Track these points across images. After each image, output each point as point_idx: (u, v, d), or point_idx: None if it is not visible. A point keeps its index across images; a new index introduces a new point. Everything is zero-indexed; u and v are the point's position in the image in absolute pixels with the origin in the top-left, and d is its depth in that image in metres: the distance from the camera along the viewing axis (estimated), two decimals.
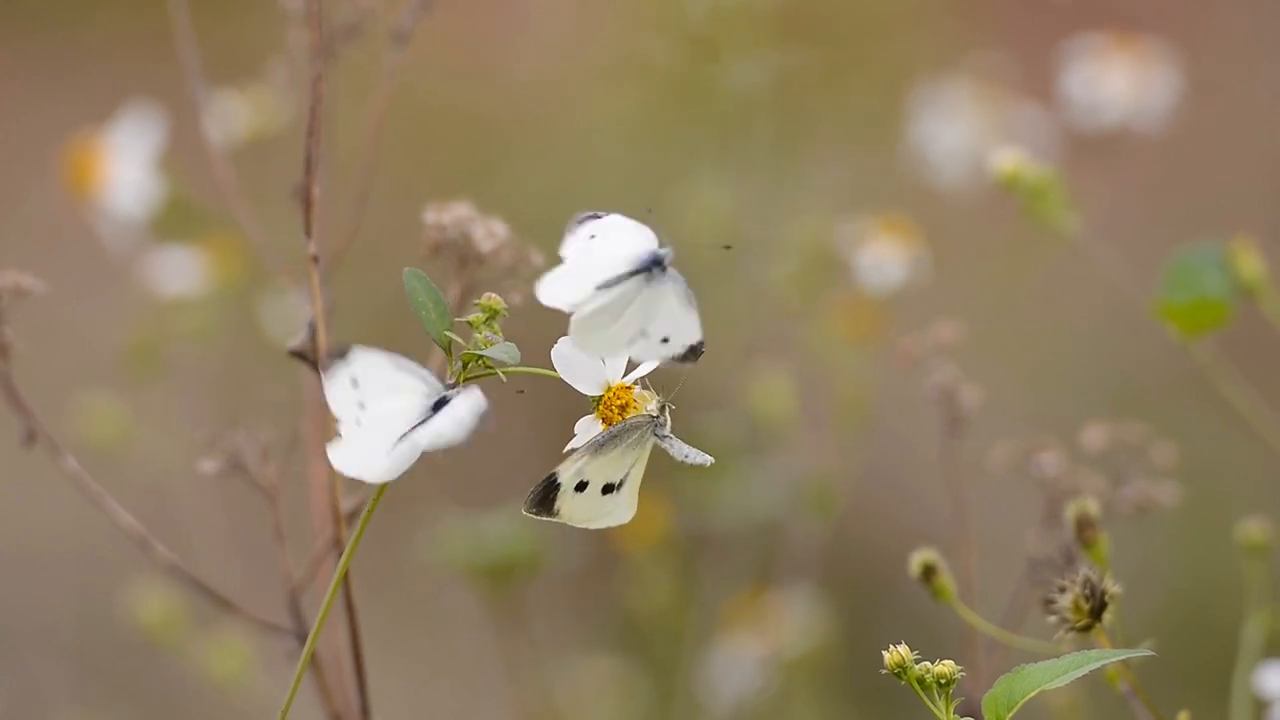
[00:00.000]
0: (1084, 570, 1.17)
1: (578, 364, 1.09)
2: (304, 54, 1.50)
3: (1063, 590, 1.16)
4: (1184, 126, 2.05)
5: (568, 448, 1.11)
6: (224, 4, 2.85)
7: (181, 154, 1.80)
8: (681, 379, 1.13)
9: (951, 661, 1.08)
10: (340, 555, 1.26)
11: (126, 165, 1.79)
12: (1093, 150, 2.02)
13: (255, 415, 2.14)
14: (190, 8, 1.52)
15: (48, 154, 2.88)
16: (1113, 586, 1.16)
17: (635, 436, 1.11)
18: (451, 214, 1.25)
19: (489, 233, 1.25)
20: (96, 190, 1.79)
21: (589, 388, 1.10)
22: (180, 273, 1.83)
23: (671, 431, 1.12)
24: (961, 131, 2.09)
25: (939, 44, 2.85)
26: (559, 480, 1.11)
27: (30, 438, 1.28)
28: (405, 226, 1.48)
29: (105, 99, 2.04)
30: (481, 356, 1.09)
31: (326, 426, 1.23)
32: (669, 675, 2.01)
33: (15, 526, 2.59)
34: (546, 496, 1.11)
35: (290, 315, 1.76)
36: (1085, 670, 1.08)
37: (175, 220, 1.80)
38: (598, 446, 1.11)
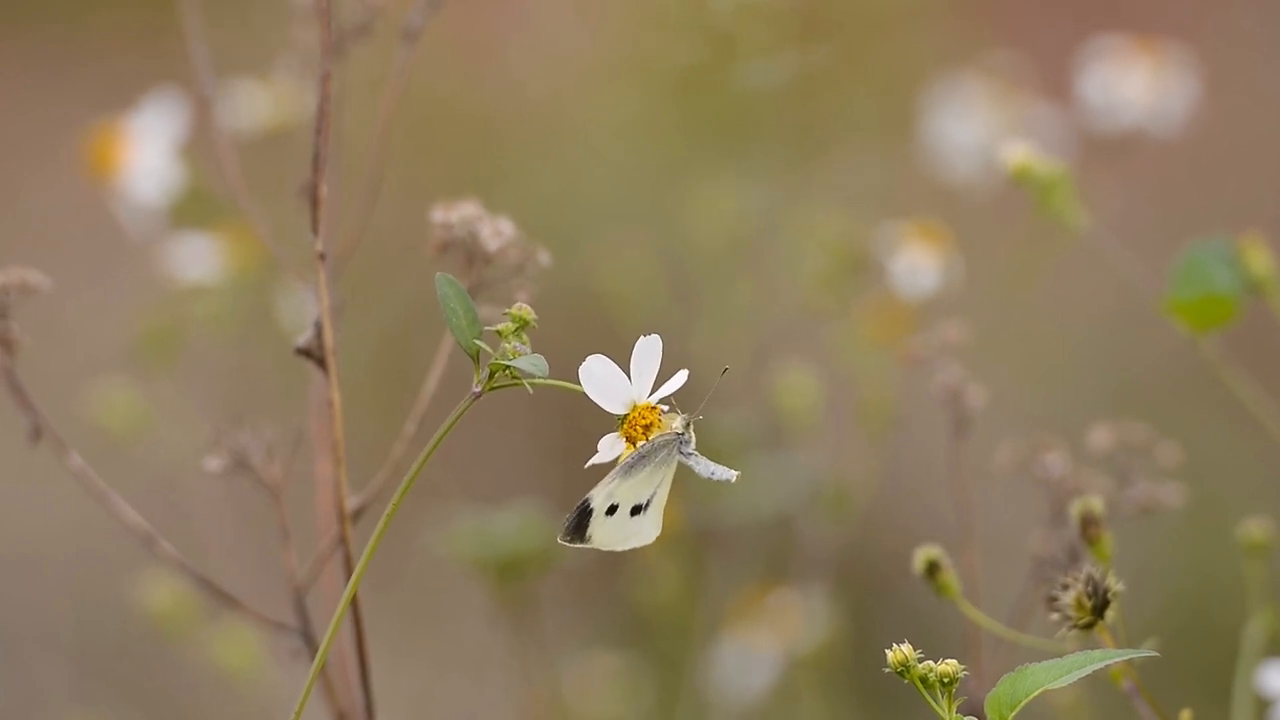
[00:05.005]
0: (1087, 568, 1.17)
1: (605, 381, 1.09)
2: (313, 52, 1.51)
3: (1066, 588, 1.17)
4: (1195, 124, 2.06)
5: (588, 463, 1.11)
6: (227, 1, 2.85)
7: (187, 148, 1.80)
8: (707, 396, 1.13)
9: (954, 661, 1.09)
10: (345, 553, 1.27)
11: (148, 152, 1.79)
12: (1106, 151, 2.02)
13: (264, 410, 2.15)
14: (195, 4, 1.52)
15: (46, 150, 2.89)
16: (1115, 584, 1.16)
17: (662, 455, 1.11)
18: (458, 213, 1.25)
19: (496, 231, 1.25)
20: (117, 176, 1.80)
21: (615, 406, 1.10)
22: (198, 260, 1.84)
23: (696, 448, 1.12)
24: (974, 129, 2.09)
25: (949, 43, 2.85)
26: (591, 505, 1.11)
27: (36, 434, 1.28)
28: (412, 225, 1.48)
29: (105, 96, 2.04)
30: (509, 367, 1.08)
31: (332, 424, 1.23)
32: (676, 671, 2.01)
33: (16, 526, 2.59)
34: (580, 523, 1.11)
35: (302, 310, 1.76)
36: (1089, 670, 1.08)
37: (194, 208, 1.80)
38: (627, 468, 1.10)
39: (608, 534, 1.11)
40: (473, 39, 2.94)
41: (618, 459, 1.11)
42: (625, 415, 1.10)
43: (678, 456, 1.11)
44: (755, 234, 2.08)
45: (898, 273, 1.87)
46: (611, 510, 1.11)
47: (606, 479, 1.11)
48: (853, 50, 2.83)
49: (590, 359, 1.09)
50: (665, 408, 1.11)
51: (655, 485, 1.11)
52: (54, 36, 3.23)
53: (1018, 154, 1.48)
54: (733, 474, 1.12)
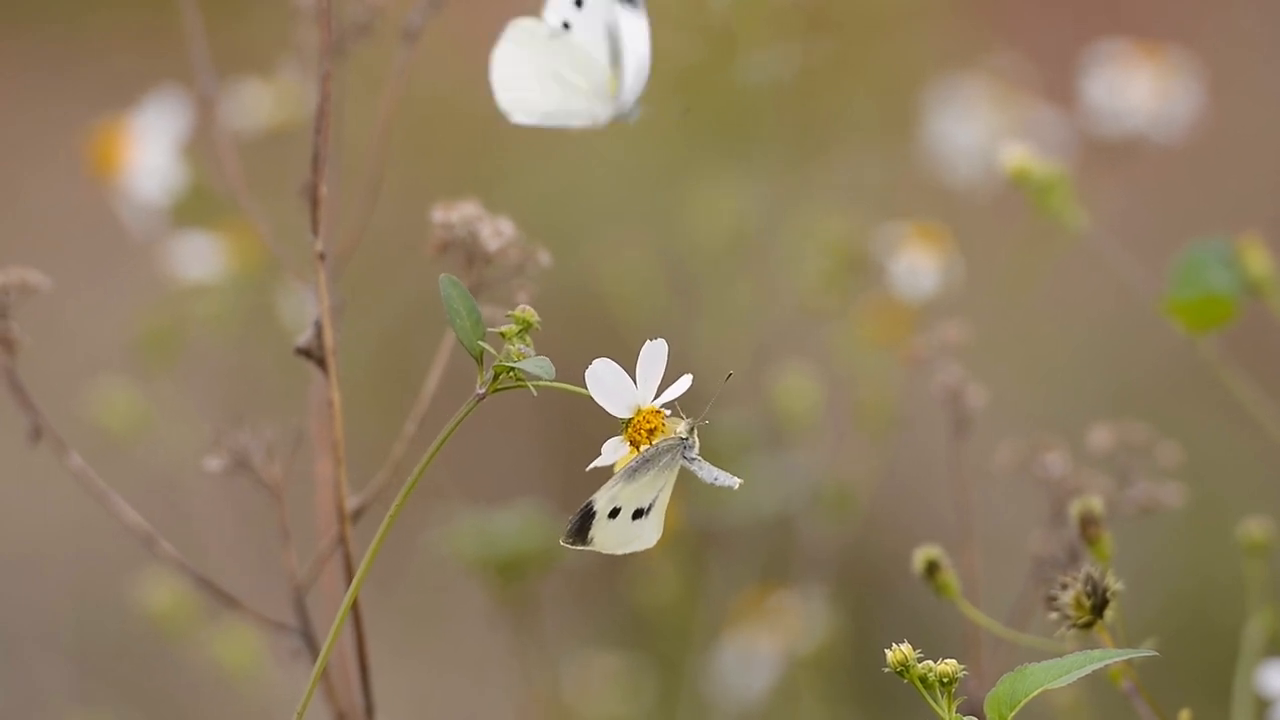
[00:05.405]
0: (1086, 568, 1.17)
1: (610, 385, 1.09)
2: (314, 52, 1.51)
3: (1065, 587, 1.17)
4: (1196, 126, 2.06)
5: (590, 466, 1.11)
6: (227, 1, 2.85)
7: (188, 147, 1.80)
8: (710, 401, 1.13)
9: (954, 660, 1.09)
10: (345, 553, 1.27)
11: (151, 151, 1.79)
12: (1106, 153, 2.02)
13: (264, 410, 2.15)
14: (195, 4, 1.52)
15: (46, 150, 2.89)
16: (1114, 583, 1.16)
17: (666, 459, 1.11)
18: (459, 213, 1.25)
19: (496, 231, 1.25)
20: (120, 175, 1.80)
21: (619, 410, 1.10)
22: (199, 259, 1.84)
23: (699, 452, 1.12)
24: (974, 131, 2.09)
25: (949, 43, 2.85)
26: (594, 508, 1.11)
27: (36, 434, 1.28)
28: (413, 225, 1.48)
29: (104, 96, 2.04)
30: (514, 369, 1.09)
31: (333, 424, 1.23)
32: (677, 672, 2.01)
33: (16, 526, 2.59)
34: (583, 526, 1.11)
35: (302, 310, 1.76)
36: (1088, 669, 1.08)
37: (196, 208, 1.81)
38: (631, 472, 1.11)
39: (609, 537, 1.12)
40: (473, 39, 2.93)
41: (620, 462, 1.11)
42: (629, 419, 1.10)
43: (681, 461, 1.11)
44: (755, 234, 2.08)
45: (897, 273, 1.87)
46: (614, 514, 1.11)
47: (610, 482, 1.11)
48: (853, 50, 2.83)
49: (596, 363, 1.09)
50: (669, 412, 1.11)
51: (658, 490, 1.12)
52: (54, 36, 3.23)
53: (1015, 155, 1.48)
54: (736, 480, 1.12)
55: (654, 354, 1.09)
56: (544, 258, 1.25)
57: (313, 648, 1.32)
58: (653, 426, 1.10)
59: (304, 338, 1.23)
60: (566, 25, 1.14)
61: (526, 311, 1.10)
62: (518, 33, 1.11)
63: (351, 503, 1.28)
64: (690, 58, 2.29)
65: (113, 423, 1.89)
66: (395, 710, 2.28)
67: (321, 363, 1.23)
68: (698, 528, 1.92)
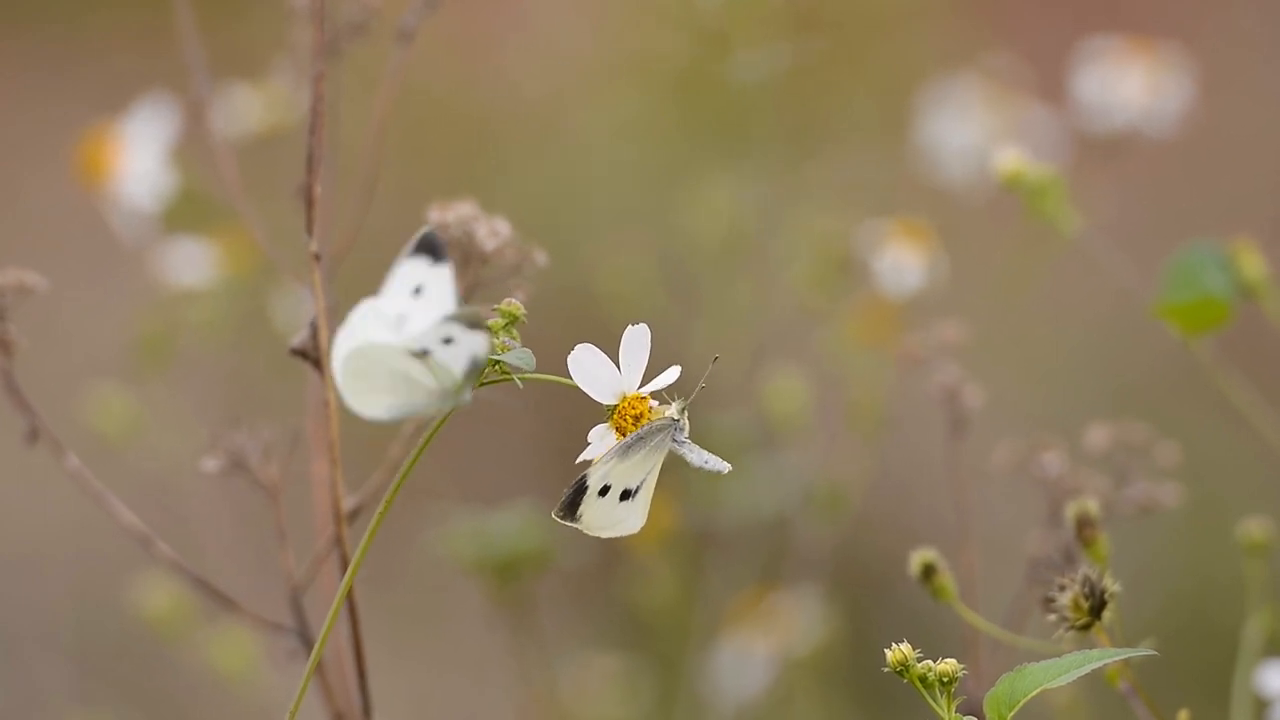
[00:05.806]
0: (1083, 569, 1.17)
1: (593, 370, 1.09)
2: (308, 52, 1.51)
3: (1062, 589, 1.17)
4: (1192, 126, 2.06)
5: (580, 458, 1.11)
6: (226, 1, 2.85)
7: (182, 150, 1.80)
8: (699, 383, 1.13)
9: (953, 660, 1.09)
10: (341, 554, 1.27)
11: (140, 156, 1.79)
12: (1101, 151, 2.03)
13: (260, 411, 2.15)
14: (192, 4, 1.52)
15: (46, 150, 2.89)
16: (1112, 585, 1.16)
17: (658, 440, 1.11)
18: (455, 212, 1.25)
19: (492, 231, 1.25)
20: (109, 181, 1.80)
21: (604, 396, 1.10)
22: (191, 265, 1.84)
23: (689, 437, 1.12)
24: (969, 133, 2.09)
25: (949, 43, 2.85)
26: (587, 484, 1.11)
27: (33, 435, 1.28)
28: (408, 225, 1.48)
29: (104, 96, 2.04)
30: (498, 362, 1.09)
31: (328, 425, 1.23)
32: (674, 672, 2.01)
33: (15, 526, 2.59)
34: (575, 500, 1.11)
35: (298, 311, 1.77)
36: (1087, 669, 1.08)
37: (188, 212, 1.80)
38: (625, 449, 1.10)
39: (596, 516, 1.12)
40: (469, 39, 2.94)
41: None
42: (615, 406, 1.10)
43: (670, 444, 1.11)
44: (754, 234, 2.08)
45: (882, 271, 1.87)
46: (604, 491, 1.11)
47: (603, 458, 1.11)
48: (852, 49, 2.83)
49: (578, 348, 1.09)
50: (655, 403, 1.11)
51: (647, 471, 1.11)
52: (54, 36, 3.24)
53: (1009, 160, 1.48)
54: (725, 465, 1.12)
55: (636, 339, 1.09)
56: (540, 258, 1.25)
57: (309, 648, 1.32)
58: (638, 413, 1.10)
59: (299, 338, 1.23)
60: (448, 341, 1.10)
61: (513, 305, 1.09)
62: (380, 352, 1.08)
63: (348, 503, 1.28)
64: (688, 57, 2.30)
65: (109, 427, 1.89)
66: (393, 710, 2.28)
67: (317, 363, 1.23)
68: (695, 529, 1.92)
